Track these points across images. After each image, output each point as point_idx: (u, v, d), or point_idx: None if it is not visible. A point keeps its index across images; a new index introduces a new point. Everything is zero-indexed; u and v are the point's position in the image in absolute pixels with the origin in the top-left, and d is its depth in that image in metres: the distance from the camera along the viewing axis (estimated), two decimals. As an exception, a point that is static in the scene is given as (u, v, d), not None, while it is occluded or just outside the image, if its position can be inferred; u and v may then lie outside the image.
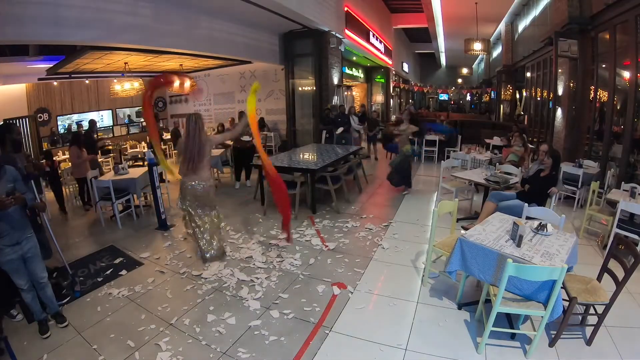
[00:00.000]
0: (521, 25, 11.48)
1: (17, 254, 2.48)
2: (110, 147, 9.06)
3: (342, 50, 9.98)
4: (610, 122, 5.67)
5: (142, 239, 4.40)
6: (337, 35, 9.15)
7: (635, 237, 3.50)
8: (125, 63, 8.08)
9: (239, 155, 6.70)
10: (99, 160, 7.23)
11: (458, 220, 4.21)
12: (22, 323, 2.76)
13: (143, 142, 10.39)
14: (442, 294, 3.00)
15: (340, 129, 8.58)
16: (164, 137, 10.08)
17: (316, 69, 9.05)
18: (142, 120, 12.56)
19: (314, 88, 9.23)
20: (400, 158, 5.94)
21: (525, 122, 10.79)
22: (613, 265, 2.48)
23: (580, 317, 2.52)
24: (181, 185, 3.50)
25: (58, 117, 9.91)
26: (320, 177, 5.15)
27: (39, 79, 8.45)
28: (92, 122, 7.29)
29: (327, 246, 3.94)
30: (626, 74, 5.37)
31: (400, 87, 19.21)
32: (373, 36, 12.01)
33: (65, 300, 3.00)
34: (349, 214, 5.01)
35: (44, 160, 5.73)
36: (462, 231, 3.94)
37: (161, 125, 12.92)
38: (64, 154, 8.64)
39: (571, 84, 6.72)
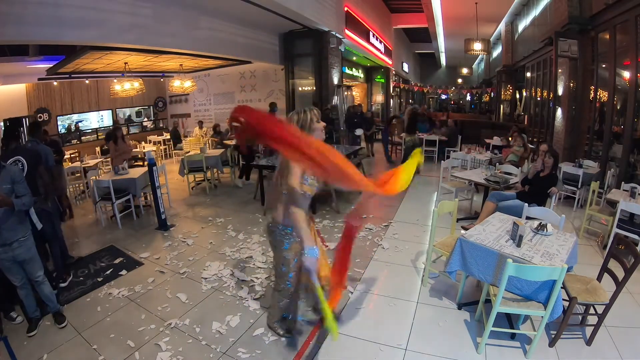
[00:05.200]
0: (521, 25, 11.48)
1: (8, 254, 2.48)
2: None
3: (342, 50, 9.97)
4: (610, 122, 5.67)
5: (142, 239, 4.40)
6: (337, 35, 9.14)
7: (635, 237, 3.50)
8: (125, 63, 8.07)
9: (247, 154, 6.68)
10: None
11: (458, 220, 4.21)
12: (22, 323, 2.76)
13: (143, 142, 10.39)
14: (442, 294, 3.00)
15: (360, 131, 8.64)
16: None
17: (316, 69, 9.05)
18: (143, 119, 12.59)
19: (314, 88, 9.23)
20: (406, 147, 7.63)
21: (525, 122, 10.81)
22: (613, 265, 2.48)
23: (580, 317, 2.52)
24: None
25: (58, 117, 9.92)
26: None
27: (39, 79, 8.45)
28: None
29: (327, 246, 3.93)
30: (626, 74, 5.37)
31: (400, 87, 19.19)
32: (373, 36, 11.99)
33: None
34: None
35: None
36: (462, 231, 3.94)
37: (161, 125, 12.99)
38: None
39: (571, 84, 6.72)
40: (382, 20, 13.39)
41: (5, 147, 3.21)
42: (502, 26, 13.10)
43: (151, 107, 12.86)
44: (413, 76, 22.70)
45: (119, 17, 5.29)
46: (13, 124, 3.53)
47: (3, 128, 7.97)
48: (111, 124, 11.33)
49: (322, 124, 2.11)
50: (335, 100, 9.53)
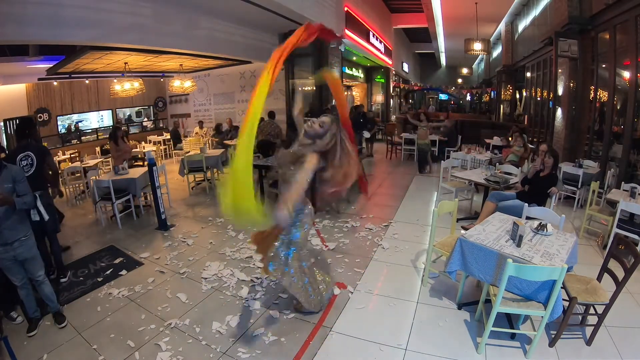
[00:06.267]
0: (521, 25, 11.49)
1: (9, 254, 2.48)
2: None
3: (342, 50, 9.98)
4: (610, 122, 5.67)
5: (142, 239, 4.40)
6: (337, 35, 9.15)
7: (635, 237, 3.50)
8: (125, 63, 8.07)
9: (266, 150, 6.63)
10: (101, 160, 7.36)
11: (458, 220, 4.21)
12: (22, 323, 2.75)
13: (143, 142, 10.39)
14: (442, 294, 3.00)
15: (367, 133, 8.64)
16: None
17: (316, 69, 9.04)
18: (143, 119, 12.58)
19: (314, 88, 9.23)
20: (419, 149, 7.72)
21: (525, 122, 10.81)
22: (613, 265, 2.48)
23: (580, 317, 2.52)
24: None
25: (58, 117, 9.92)
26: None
27: (39, 79, 8.46)
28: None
29: (327, 246, 3.94)
30: (626, 74, 5.37)
31: (400, 87, 19.19)
32: (373, 36, 11.99)
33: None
34: (349, 214, 5.01)
35: None
36: (462, 231, 3.94)
37: (161, 125, 13.00)
38: (64, 154, 8.65)
39: (571, 84, 6.72)
40: (382, 20, 13.39)
41: (16, 143, 3.37)
42: (502, 26, 13.11)
43: (151, 107, 12.86)
44: (413, 76, 22.70)
45: (119, 17, 5.28)
46: (23, 123, 3.66)
47: (6, 127, 8.05)
48: (111, 124, 11.36)
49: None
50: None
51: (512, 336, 2.46)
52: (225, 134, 8.95)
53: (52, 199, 3.68)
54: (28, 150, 3.34)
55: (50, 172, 3.68)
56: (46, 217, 2.81)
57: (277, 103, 10.48)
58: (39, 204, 2.71)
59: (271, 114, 7.80)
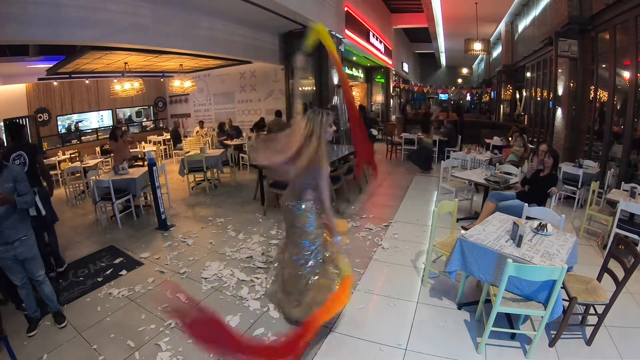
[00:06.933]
0: (521, 25, 11.49)
1: (10, 253, 2.48)
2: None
3: (342, 50, 9.98)
4: (610, 122, 5.67)
5: (142, 239, 4.40)
6: (337, 35, 9.14)
7: (635, 237, 3.50)
8: (125, 63, 8.07)
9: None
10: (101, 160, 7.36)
11: (458, 220, 4.21)
12: (22, 323, 2.75)
13: (143, 142, 10.39)
14: (442, 294, 3.00)
15: (375, 132, 8.78)
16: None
17: (316, 69, 9.04)
18: (143, 119, 12.58)
19: (314, 88, 9.23)
20: (422, 145, 7.81)
21: (525, 122, 10.82)
22: (613, 265, 2.48)
23: (580, 317, 2.52)
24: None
25: (58, 117, 9.92)
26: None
27: (39, 79, 8.46)
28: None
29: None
30: (626, 74, 5.37)
31: (400, 87, 19.19)
32: (373, 36, 11.99)
33: None
34: (349, 214, 5.01)
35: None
36: (462, 231, 3.94)
37: (161, 125, 13.00)
38: (64, 154, 8.65)
39: (571, 84, 6.72)
40: (382, 20, 13.39)
41: (9, 144, 3.43)
42: (502, 26, 13.11)
43: (151, 107, 12.86)
44: (413, 76, 22.70)
45: (119, 17, 5.28)
46: (11, 126, 3.69)
47: (3, 128, 8.05)
48: (111, 124, 11.37)
49: (334, 127, 2.42)
50: (335, 100, 9.53)
51: (512, 336, 2.46)
52: (226, 133, 8.97)
53: (49, 195, 3.70)
54: (20, 150, 3.44)
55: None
56: (43, 212, 2.81)
57: (277, 103, 10.51)
58: (37, 199, 2.72)
59: (278, 113, 8.35)
